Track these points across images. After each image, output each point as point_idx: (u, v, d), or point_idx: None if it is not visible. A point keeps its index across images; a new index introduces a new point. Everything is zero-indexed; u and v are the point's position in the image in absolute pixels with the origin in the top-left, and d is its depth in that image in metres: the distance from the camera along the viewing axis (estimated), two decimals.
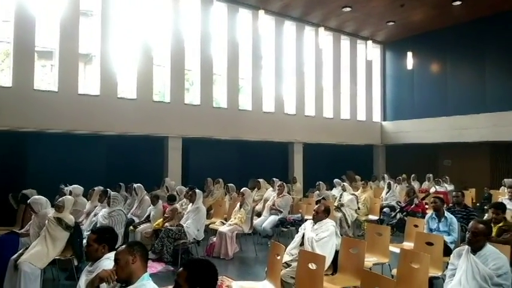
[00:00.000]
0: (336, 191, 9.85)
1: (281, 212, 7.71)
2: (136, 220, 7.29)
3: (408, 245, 5.41)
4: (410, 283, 3.83)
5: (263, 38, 12.83)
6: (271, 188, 9.30)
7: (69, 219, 5.07)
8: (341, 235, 4.84)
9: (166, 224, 6.49)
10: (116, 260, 2.55)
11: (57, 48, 9.48)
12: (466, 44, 13.77)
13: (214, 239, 6.90)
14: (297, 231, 5.00)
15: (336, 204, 8.50)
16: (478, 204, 10.77)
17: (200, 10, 11.67)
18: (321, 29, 12.33)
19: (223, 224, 7.35)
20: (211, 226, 7.49)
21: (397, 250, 4.67)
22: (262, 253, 6.94)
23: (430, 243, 4.66)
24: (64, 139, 9.64)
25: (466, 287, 3.23)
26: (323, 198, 8.57)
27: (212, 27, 11.91)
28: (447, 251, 4.65)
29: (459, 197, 6.21)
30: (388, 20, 13.69)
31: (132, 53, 10.59)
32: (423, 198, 8.53)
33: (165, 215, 6.77)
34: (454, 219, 5.40)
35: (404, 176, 12.66)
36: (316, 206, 4.83)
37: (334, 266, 4.45)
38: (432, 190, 10.77)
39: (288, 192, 8.57)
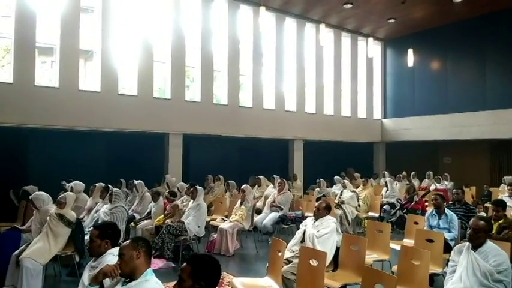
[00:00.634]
0: (336, 188, 9.87)
1: (281, 209, 7.72)
2: (138, 217, 7.31)
3: (408, 242, 5.43)
4: (411, 280, 3.85)
5: (264, 35, 12.81)
6: (271, 185, 9.31)
7: (71, 215, 5.08)
8: (341, 232, 4.85)
9: (168, 220, 6.51)
10: (120, 254, 2.56)
11: (58, 45, 9.48)
12: (467, 42, 13.76)
13: (215, 235, 6.92)
14: (298, 228, 5.03)
15: (336, 201, 8.52)
16: (478, 202, 10.78)
17: (201, 6, 11.65)
18: (322, 26, 12.31)
19: (224, 220, 7.36)
20: (212, 223, 7.50)
21: (397, 247, 4.69)
22: (262, 250, 6.97)
23: (430, 240, 4.68)
24: (65, 135, 9.65)
25: (467, 283, 3.25)
26: (323, 195, 8.61)
27: (213, 24, 11.90)
28: (447, 248, 4.67)
29: (459, 195, 6.23)
30: (389, 17, 13.67)
31: (133, 49, 10.58)
32: (423, 196, 8.56)
33: (166, 212, 6.79)
34: (455, 216, 5.42)
35: (404, 173, 12.68)
36: (317, 202, 4.85)
37: (335, 263, 4.47)
38: (432, 187, 10.80)
39: (289, 189, 8.57)
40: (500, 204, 5.14)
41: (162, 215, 6.79)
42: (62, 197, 5.16)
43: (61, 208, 5.03)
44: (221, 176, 9.99)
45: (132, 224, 6.98)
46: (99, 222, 5.66)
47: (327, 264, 3.92)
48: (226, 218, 7.53)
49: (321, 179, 9.63)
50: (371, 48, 14.56)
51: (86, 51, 10.35)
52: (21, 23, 8.92)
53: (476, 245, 3.37)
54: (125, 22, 10.53)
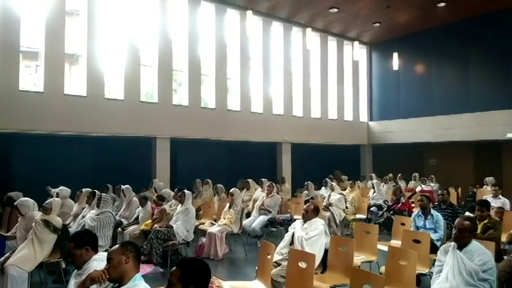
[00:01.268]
0: (324, 191, 9.92)
1: (270, 212, 7.74)
2: (125, 222, 7.22)
3: (396, 242, 5.49)
4: (398, 280, 3.89)
5: (251, 39, 12.86)
6: (260, 188, 9.32)
7: (57, 221, 5.01)
8: (330, 234, 4.88)
9: (156, 225, 6.46)
10: (109, 259, 2.54)
11: (43, 49, 9.36)
12: (450, 45, 14.02)
13: (204, 239, 6.89)
14: (286, 231, 5.03)
15: (324, 203, 8.57)
16: (462, 203, 10.98)
17: (188, 10, 11.64)
18: (308, 30, 12.43)
19: (213, 224, 7.34)
20: (200, 227, 7.47)
21: (385, 248, 4.74)
22: (251, 253, 6.96)
23: (417, 241, 4.74)
24: (50, 140, 9.52)
25: (453, 282, 3.30)
26: (311, 198, 8.64)
27: (200, 28, 11.90)
28: (433, 248, 4.74)
29: (445, 196, 6.34)
30: (374, 21, 13.86)
31: (119, 53, 10.51)
32: (409, 197, 8.66)
33: (154, 216, 6.74)
34: (440, 217, 5.50)
35: (390, 175, 12.82)
36: (306, 205, 4.87)
37: (324, 265, 4.50)
38: (418, 189, 10.94)
39: (277, 192, 8.59)
40: (485, 205, 5.24)
41: (150, 220, 6.73)
42: (47, 203, 5.09)
43: (47, 214, 4.96)
44: (209, 180, 9.97)
45: (120, 229, 6.90)
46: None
47: (315, 266, 3.94)
48: (215, 221, 7.50)
49: (309, 182, 9.68)
50: (357, 52, 14.76)
51: (71, 55, 10.24)
52: (5, 26, 8.79)
53: (461, 245, 3.43)
54: (111, 26, 10.46)
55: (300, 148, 14.02)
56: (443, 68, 14.43)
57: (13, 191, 6.94)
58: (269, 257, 4.09)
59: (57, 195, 6.53)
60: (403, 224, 5.88)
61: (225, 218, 7.10)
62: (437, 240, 5.20)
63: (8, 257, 4.64)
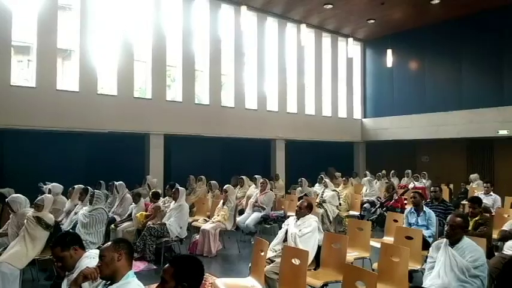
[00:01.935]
0: (317, 188, 9.96)
1: (264, 208, 7.75)
2: (118, 218, 7.20)
3: (388, 239, 5.53)
4: (391, 276, 3.92)
5: (245, 35, 12.81)
6: (253, 185, 9.33)
7: (49, 218, 4.98)
8: (323, 231, 4.90)
9: (149, 222, 6.44)
10: (101, 256, 2.52)
11: (35, 43, 9.25)
12: (444, 43, 14.09)
13: (197, 236, 6.89)
14: (280, 228, 5.05)
15: (317, 200, 8.60)
16: (455, 199, 11.08)
17: (182, 5, 11.56)
18: (303, 26, 12.41)
19: (206, 221, 7.33)
20: (194, 224, 7.46)
21: (377, 244, 4.77)
22: (245, 250, 6.97)
23: (409, 237, 4.78)
24: (42, 136, 9.43)
25: (445, 279, 3.33)
26: (305, 195, 8.69)
27: (194, 23, 11.83)
28: (426, 245, 4.79)
29: (437, 192, 6.39)
30: (369, 18, 13.87)
31: (112, 48, 10.41)
32: (402, 194, 8.71)
33: (148, 213, 6.72)
34: (432, 214, 5.55)
35: (383, 172, 12.90)
36: (299, 202, 4.89)
37: (317, 261, 4.52)
38: (411, 186, 11.01)
39: (271, 189, 8.61)
40: (476, 202, 5.29)
41: (142, 213, 6.71)
42: (39, 200, 5.06)
43: (39, 211, 4.93)
44: (203, 177, 9.95)
45: (113, 226, 6.87)
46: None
47: (309, 262, 3.95)
48: (209, 218, 7.50)
49: (302, 179, 9.70)
50: (351, 49, 14.76)
51: (63, 50, 10.14)
52: None
53: (453, 241, 3.46)
54: (104, 20, 10.35)
55: (293, 145, 14.04)
56: (437, 66, 14.50)
57: (4, 188, 6.88)
58: (262, 253, 4.10)
59: (49, 192, 6.49)
60: (396, 221, 5.92)
61: (218, 215, 7.11)
62: (429, 236, 5.25)
63: (0, 254, 4.60)
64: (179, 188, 6.69)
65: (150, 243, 6.11)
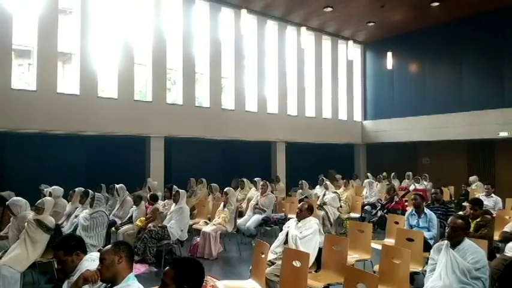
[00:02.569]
0: (318, 190, 9.94)
1: (265, 211, 7.74)
2: (118, 221, 7.19)
3: (389, 241, 5.51)
4: (392, 278, 3.91)
5: (245, 38, 12.83)
6: (254, 188, 9.32)
7: (50, 221, 4.97)
8: (324, 233, 4.89)
9: (149, 224, 6.43)
10: (102, 259, 2.52)
11: (35, 47, 9.27)
12: (444, 45, 14.10)
13: (198, 239, 6.88)
14: (281, 230, 5.04)
15: (318, 202, 8.59)
16: (455, 201, 11.08)
17: (182, 9, 11.59)
18: (303, 29, 12.42)
19: (207, 223, 7.32)
20: (194, 226, 7.45)
21: (378, 246, 4.76)
22: (246, 252, 6.95)
23: (410, 239, 4.76)
24: (43, 139, 9.44)
25: (446, 281, 3.32)
26: (306, 197, 8.68)
27: (194, 26, 11.86)
28: (427, 247, 4.77)
29: (438, 194, 6.38)
30: (369, 21, 13.90)
31: (113, 51, 10.44)
32: (403, 196, 8.71)
33: (147, 216, 6.72)
34: (434, 216, 5.53)
35: (384, 174, 12.88)
36: (300, 204, 4.88)
37: (318, 263, 4.50)
38: (412, 188, 11.01)
39: (271, 191, 8.60)
40: (478, 203, 5.28)
41: (143, 218, 6.71)
42: (40, 203, 5.05)
43: (39, 214, 4.93)
44: (204, 179, 9.95)
45: (113, 228, 6.87)
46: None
47: (309, 265, 3.94)
48: (209, 221, 7.49)
49: (303, 181, 9.69)
50: (351, 51, 14.78)
51: (64, 53, 10.15)
52: None
53: (454, 243, 3.45)
54: (105, 24, 10.38)
55: (294, 147, 14.04)
56: (437, 68, 14.51)
57: (5, 191, 6.87)
58: (263, 256, 4.09)
59: (50, 195, 6.49)
60: (397, 223, 5.90)
61: (219, 217, 7.10)
62: (430, 238, 5.23)
63: (0, 257, 4.60)
64: (180, 190, 6.68)
65: (151, 246, 6.10)
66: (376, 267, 4.32)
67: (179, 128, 11.31)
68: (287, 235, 4.63)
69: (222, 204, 7.27)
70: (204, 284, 2.31)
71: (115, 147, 10.40)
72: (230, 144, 12.65)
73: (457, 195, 11.79)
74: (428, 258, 3.78)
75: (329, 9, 12.64)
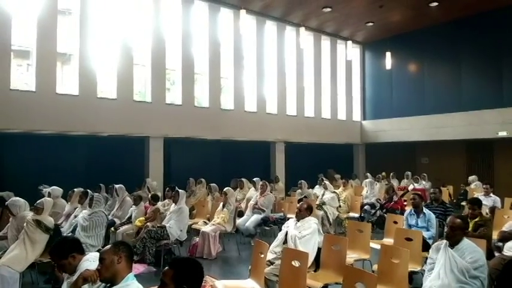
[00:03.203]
0: (317, 190, 9.95)
1: (264, 211, 7.75)
2: (117, 221, 7.19)
3: (388, 241, 5.52)
4: (391, 278, 3.91)
5: (244, 38, 12.84)
6: (253, 188, 9.32)
7: (49, 221, 4.98)
8: (323, 233, 4.90)
9: (148, 224, 6.44)
10: (101, 259, 2.52)
11: (35, 47, 9.28)
12: (442, 45, 14.12)
13: (197, 239, 6.88)
14: (280, 230, 5.04)
15: (317, 202, 8.60)
16: (454, 201, 11.10)
17: (181, 9, 11.60)
18: (302, 29, 12.44)
19: (206, 224, 7.33)
20: (194, 226, 7.46)
21: (377, 246, 4.76)
22: (245, 252, 6.96)
23: (409, 239, 4.77)
24: (42, 139, 9.43)
25: (445, 280, 3.33)
26: (305, 197, 8.68)
27: (193, 27, 11.86)
28: (426, 246, 4.78)
29: (436, 194, 6.38)
30: (367, 21, 13.92)
31: (112, 52, 10.44)
32: (402, 196, 8.71)
33: (147, 216, 6.72)
34: (432, 215, 5.54)
35: (383, 174, 12.89)
36: (299, 204, 4.89)
37: (317, 263, 4.51)
38: (411, 187, 11.01)
39: (271, 191, 8.60)
40: (476, 203, 5.28)
41: (143, 218, 6.71)
42: (39, 203, 5.05)
43: (38, 214, 4.93)
44: (203, 179, 9.94)
45: (112, 229, 6.87)
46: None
47: (308, 264, 3.95)
48: (209, 221, 7.49)
49: (302, 181, 9.70)
50: (350, 51, 14.80)
51: (63, 54, 10.16)
52: None
53: (453, 243, 3.46)
54: (104, 24, 10.38)
55: (293, 147, 14.05)
56: (436, 68, 14.53)
57: (4, 191, 6.87)
58: (262, 255, 4.09)
59: (49, 195, 6.49)
60: (396, 222, 5.91)
61: (218, 217, 7.10)
62: (429, 238, 5.24)
63: None
64: (179, 190, 6.68)
65: (150, 246, 6.11)
66: (375, 267, 4.33)
67: (178, 128, 11.32)
68: (286, 235, 4.64)
69: (221, 204, 7.27)
70: (203, 283, 2.32)
71: (114, 147, 10.40)
72: (229, 144, 12.66)
73: (456, 195, 11.81)
74: (427, 258, 3.78)
75: (328, 9, 12.65)
